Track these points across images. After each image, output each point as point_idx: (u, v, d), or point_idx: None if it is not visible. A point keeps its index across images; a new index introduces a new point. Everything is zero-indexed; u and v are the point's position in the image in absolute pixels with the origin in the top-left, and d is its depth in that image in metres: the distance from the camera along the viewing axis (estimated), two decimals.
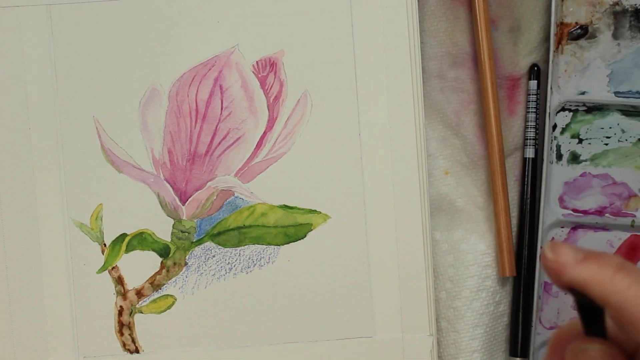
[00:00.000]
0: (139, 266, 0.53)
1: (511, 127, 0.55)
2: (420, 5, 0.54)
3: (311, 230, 0.53)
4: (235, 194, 0.53)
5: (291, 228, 0.53)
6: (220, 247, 0.53)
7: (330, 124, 0.53)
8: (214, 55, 0.53)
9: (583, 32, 0.54)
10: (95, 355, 0.53)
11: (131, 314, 0.53)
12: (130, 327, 0.53)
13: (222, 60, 0.53)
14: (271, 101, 0.53)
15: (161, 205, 0.53)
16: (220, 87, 0.53)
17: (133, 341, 0.53)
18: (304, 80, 0.53)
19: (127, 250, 0.53)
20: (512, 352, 0.55)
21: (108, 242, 0.53)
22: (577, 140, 0.54)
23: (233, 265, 0.53)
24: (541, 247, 0.54)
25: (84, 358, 0.53)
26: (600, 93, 0.54)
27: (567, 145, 0.54)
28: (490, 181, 0.55)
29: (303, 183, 0.53)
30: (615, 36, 0.54)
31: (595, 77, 0.54)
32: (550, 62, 0.54)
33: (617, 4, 0.54)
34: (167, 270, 0.53)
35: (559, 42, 0.54)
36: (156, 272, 0.53)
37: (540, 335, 0.55)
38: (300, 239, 0.53)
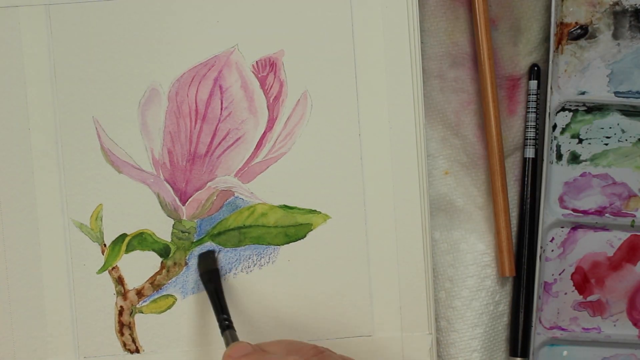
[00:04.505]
0: (139, 266, 0.53)
1: (511, 127, 0.55)
2: (420, 5, 0.54)
3: (311, 230, 0.53)
4: (236, 194, 0.53)
5: (291, 228, 0.53)
6: (220, 247, 0.53)
7: (330, 124, 0.53)
8: (214, 55, 0.53)
9: (583, 32, 0.54)
10: (96, 355, 0.53)
11: (131, 314, 0.53)
12: (130, 327, 0.53)
13: (222, 60, 0.53)
14: (271, 101, 0.53)
15: (161, 206, 0.53)
16: (220, 87, 0.53)
17: (133, 341, 0.53)
18: (304, 80, 0.53)
19: (127, 251, 0.53)
20: (512, 352, 0.55)
21: (108, 242, 0.53)
22: (577, 140, 0.54)
23: (233, 265, 0.53)
24: (541, 247, 0.54)
25: (84, 358, 0.53)
26: (600, 93, 0.54)
27: (567, 145, 0.54)
28: (490, 181, 0.55)
29: (303, 183, 0.53)
30: (615, 36, 0.54)
31: (595, 77, 0.54)
32: (550, 62, 0.54)
33: (617, 4, 0.54)
34: (168, 270, 0.53)
35: (559, 42, 0.54)
36: (156, 272, 0.53)
37: (540, 335, 0.55)
38: (300, 239, 0.53)
